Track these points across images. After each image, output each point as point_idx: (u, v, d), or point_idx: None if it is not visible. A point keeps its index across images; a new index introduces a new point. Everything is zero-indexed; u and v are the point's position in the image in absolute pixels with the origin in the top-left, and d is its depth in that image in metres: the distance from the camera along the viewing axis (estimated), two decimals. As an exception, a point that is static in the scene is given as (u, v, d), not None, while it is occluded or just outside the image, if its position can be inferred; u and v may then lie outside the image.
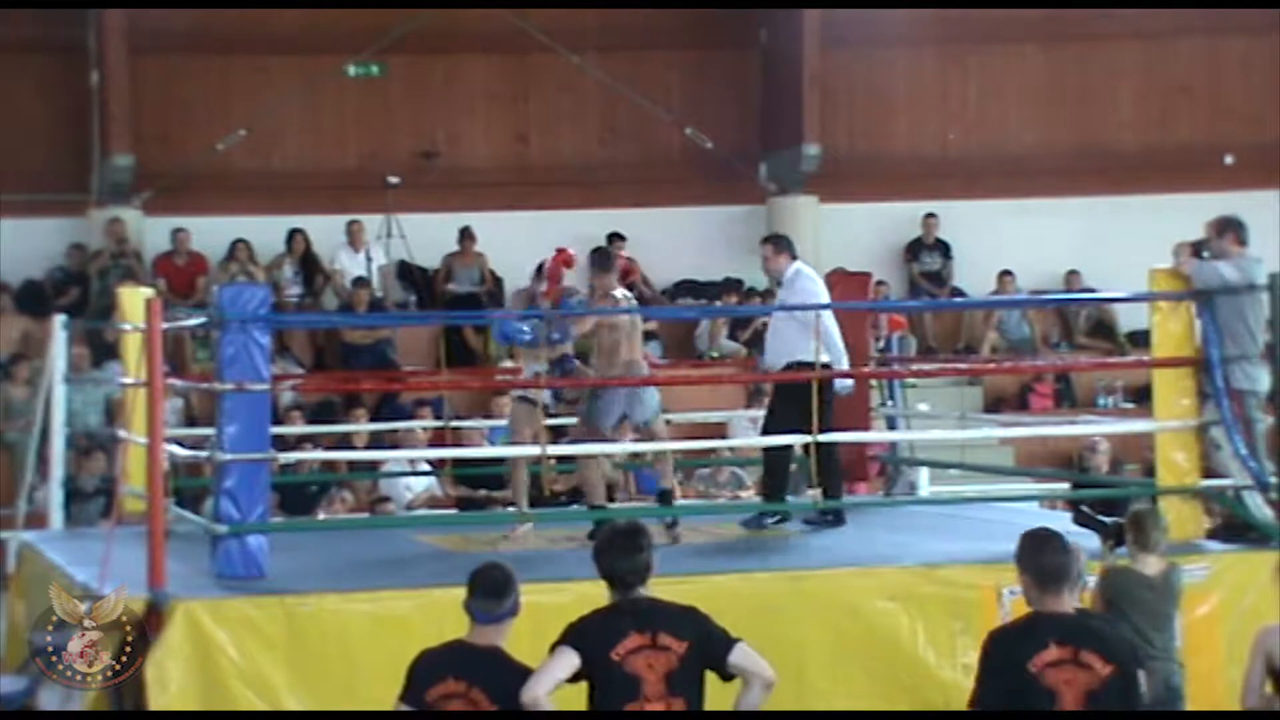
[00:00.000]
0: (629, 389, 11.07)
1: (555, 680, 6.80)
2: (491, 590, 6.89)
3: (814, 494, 11.78)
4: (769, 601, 9.29)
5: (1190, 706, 9.25)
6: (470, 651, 6.84)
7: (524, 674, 6.77)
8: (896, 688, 9.43)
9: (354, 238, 20.11)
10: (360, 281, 19.57)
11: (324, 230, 20.28)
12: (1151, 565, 8.92)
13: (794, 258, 11.77)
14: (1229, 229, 10.65)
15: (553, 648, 6.91)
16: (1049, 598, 6.80)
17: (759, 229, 21.60)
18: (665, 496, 11.67)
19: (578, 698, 6.98)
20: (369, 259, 19.98)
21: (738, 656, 6.96)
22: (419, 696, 6.82)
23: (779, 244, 11.88)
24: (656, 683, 6.83)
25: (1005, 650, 6.76)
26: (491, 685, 6.72)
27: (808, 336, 11.11)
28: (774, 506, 11.63)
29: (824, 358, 11.13)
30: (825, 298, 11.72)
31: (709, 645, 6.95)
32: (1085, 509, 9.52)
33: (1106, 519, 9.54)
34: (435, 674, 6.80)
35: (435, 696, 6.79)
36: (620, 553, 7.01)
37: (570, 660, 6.83)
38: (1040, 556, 6.83)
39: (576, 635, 6.90)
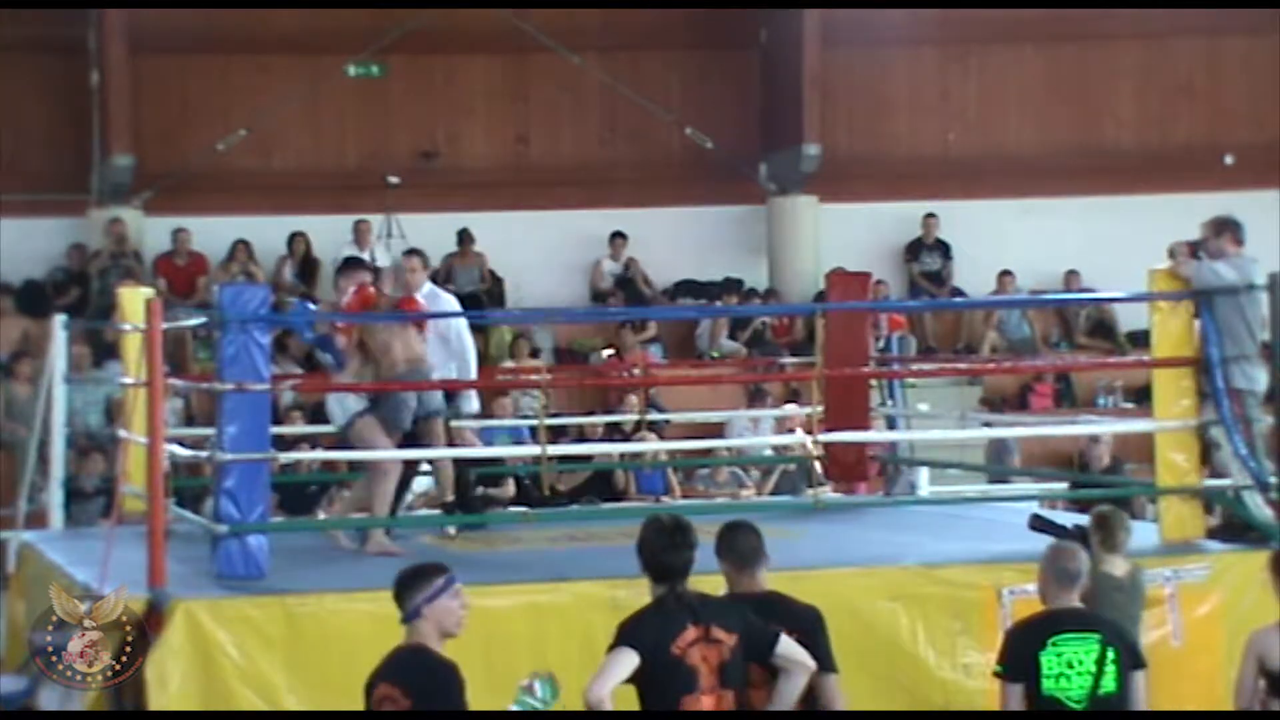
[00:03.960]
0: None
1: (616, 680, 6.87)
2: (396, 595, 6.90)
3: (813, 493, 11.80)
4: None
5: (1190, 706, 9.26)
6: (396, 653, 6.87)
7: (437, 668, 6.73)
8: (896, 688, 9.43)
9: (360, 237, 20.11)
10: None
11: (324, 230, 20.28)
12: (1119, 566, 8.93)
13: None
14: (1226, 229, 10.65)
15: (610, 648, 6.96)
16: (745, 578, 7.46)
17: (759, 229, 21.67)
18: (448, 508, 11.54)
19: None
20: (373, 259, 19.97)
21: (783, 648, 7.12)
22: (367, 705, 6.88)
23: (426, 261, 12.09)
24: (710, 675, 6.96)
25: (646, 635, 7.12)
26: (405, 681, 6.71)
27: (448, 354, 11.47)
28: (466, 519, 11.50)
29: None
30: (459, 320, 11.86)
31: (755, 638, 7.09)
32: (1041, 514, 9.48)
33: (1065, 523, 9.47)
34: (374, 681, 6.84)
35: (372, 702, 6.83)
36: (673, 547, 7.08)
37: (630, 660, 6.90)
38: (736, 542, 7.50)
39: (634, 635, 6.97)
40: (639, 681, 6.94)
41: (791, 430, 15.40)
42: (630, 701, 7.01)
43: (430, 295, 11.70)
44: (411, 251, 12.13)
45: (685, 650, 6.95)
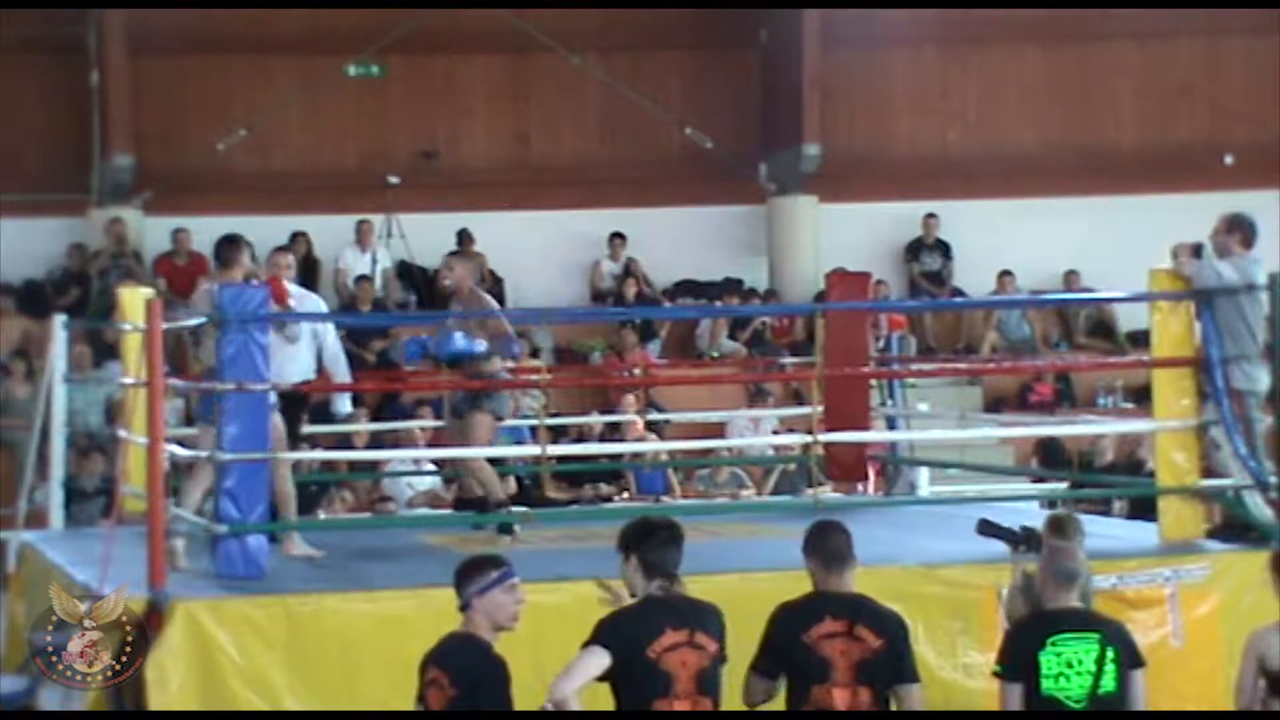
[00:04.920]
0: None
1: (583, 679, 6.84)
2: (455, 584, 6.96)
3: (813, 493, 11.81)
4: (769, 601, 9.24)
5: (1190, 706, 9.26)
6: (449, 639, 6.93)
7: (485, 661, 6.77)
8: (896, 687, 9.42)
9: (362, 237, 20.13)
10: (362, 279, 19.59)
11: (325, 230, 20.30)
12: None
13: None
14: (1238, 228, 10.63)
15: (584, 645, 6.93)
16: (834, 577, 7.50)
17: (759, 229, 21.68)
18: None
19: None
20: (374, 260, 20.00)
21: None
22: (419, 684, 6.94)
23: (295, 260, 12.14)
24: (687, 680, 6.91)
25: (787, 624, 7.35)
26: (451, 668, 6.78)
27: (309, 354, 11.14)
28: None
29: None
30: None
31: (724, 651, 7.07)
32: (989, 520, 9.44)
33: (1013, 526, 9.40)
34: (426, 663, 6.90)
35: (424, 684, 6.89)
36: (672, 544, 7.08)
37: (600, 660, 6.86)
38: (825, 541, 7.54)
39: (609, 633, 6.92)
40: (613, 681, 6.90)
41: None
42: (607, 701, 6.98)
43: (300, 296, 11.45)
44: (281, 248, 12.01)
45: (661, 654, 6.87)
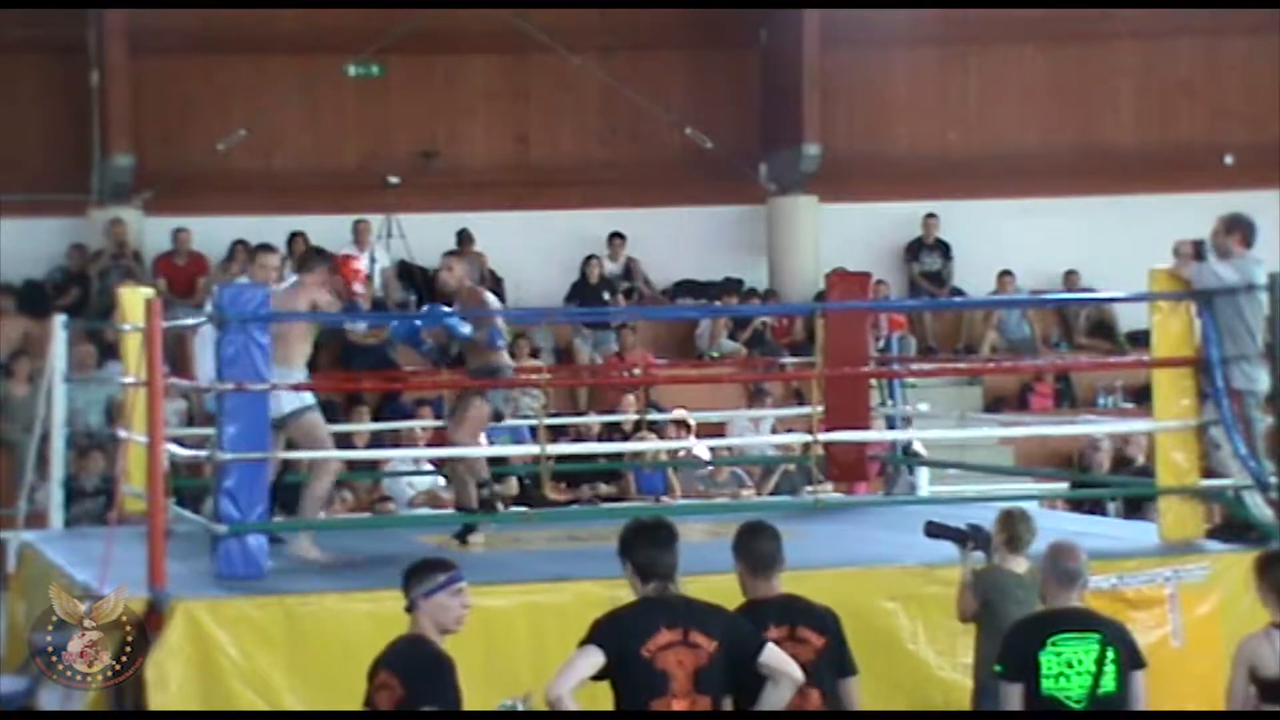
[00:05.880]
0: None
1: (578, 679, 6.82)
2: (403, 585, 7.01)
3: (812, 492, 11.81)
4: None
5: (1190, 707, 9.25)
6: (396, 642, 6.98)
7: (430, 659, 6.80)
8: (896, 688, 9.42)
9: (360, 237, 20.13)
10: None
11: (324, 230, 20.28)
12: (1021, 565, 8.86)
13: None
14: (1237, 228, 10.64)
15: (580, 645, 6.91)
16: (761, 582, 7.46)
17: (759, 229, 21.68)
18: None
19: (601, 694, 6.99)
20: (373, 259, 20.00)
21: (767, 656, 7.02)
22: (368, 689, 7.00)
23: (281, 259, 11.86)
24: (684, 680, 6.87)
25: None
26: (399, 669, 6.82)
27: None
28: None
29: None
30: None
31: (739, 645, 6.99)
32: (935, 521, 9.43)
33: (959, 524, 9.38)
34: (375, 668, 6.95)
35: (373, 688, 6.94)
36: (660, 546, 7.04)
37: (594, 659, 6.84)
38: (756, 545, 7.49)
39: (603, 633, 6.91)
40: (611, 681, 6.90)
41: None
42: (607, 701, 6.98)
43: None
44: (265, 248, 11.92)
45: (656, 653, 6.84)
